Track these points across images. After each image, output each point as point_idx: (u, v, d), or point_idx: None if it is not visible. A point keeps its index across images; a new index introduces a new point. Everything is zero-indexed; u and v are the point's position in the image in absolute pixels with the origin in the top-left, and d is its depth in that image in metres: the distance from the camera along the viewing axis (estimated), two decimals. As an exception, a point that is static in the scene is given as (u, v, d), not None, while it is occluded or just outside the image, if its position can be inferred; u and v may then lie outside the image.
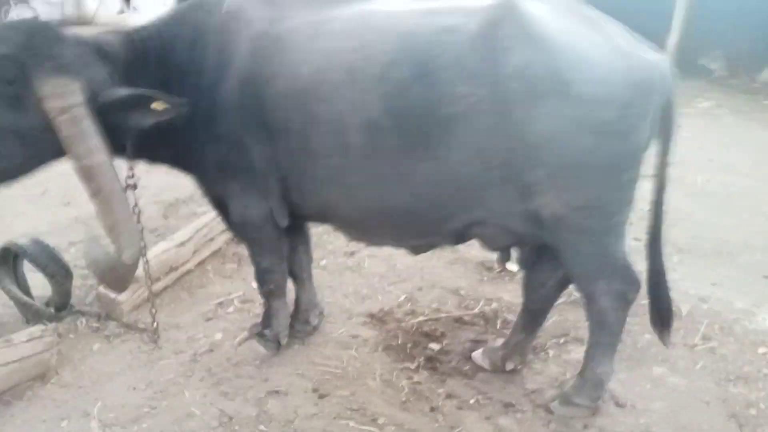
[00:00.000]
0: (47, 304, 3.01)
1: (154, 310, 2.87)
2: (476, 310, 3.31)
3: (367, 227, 2.48)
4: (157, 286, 3.28)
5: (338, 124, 2.11)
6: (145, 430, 2.37)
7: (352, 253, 3.93)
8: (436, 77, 1.98)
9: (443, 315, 3.26)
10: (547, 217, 2.14)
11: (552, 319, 3.12)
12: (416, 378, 2.74)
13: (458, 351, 2.94)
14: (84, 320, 3.04)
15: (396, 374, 2.76)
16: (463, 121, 2.00)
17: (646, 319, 3.09)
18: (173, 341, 2.95)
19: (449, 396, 2.63)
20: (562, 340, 3.05)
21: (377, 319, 3.22)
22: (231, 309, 3.27)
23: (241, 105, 2.25)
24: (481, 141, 2.03)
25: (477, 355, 2.84)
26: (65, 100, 1.99)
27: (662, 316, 2.45)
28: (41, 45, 1.98)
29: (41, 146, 2.09)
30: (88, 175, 2.07)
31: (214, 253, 3.79)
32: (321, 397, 2.60)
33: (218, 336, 3.00)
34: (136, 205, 2.48)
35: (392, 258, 3.82)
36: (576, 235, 2.19)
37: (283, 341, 2.87)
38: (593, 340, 2.45)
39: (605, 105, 1.96)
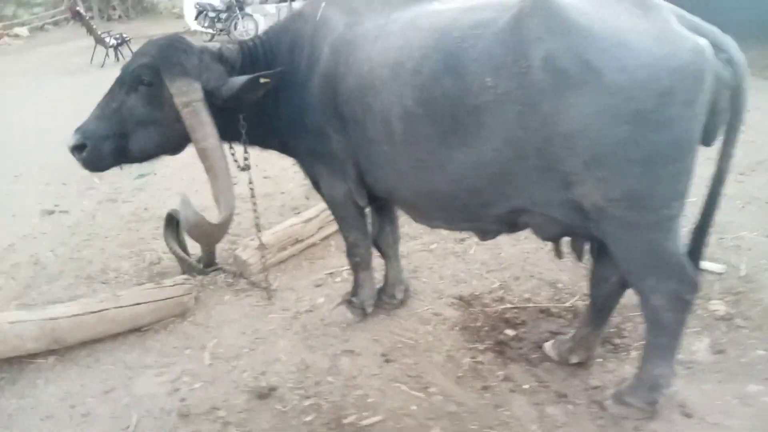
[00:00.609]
0: (198, 261, 3.78)
1: (267, 274, 3.44)
2: (568, 304, 3.26)
3: (420, 209, 2.67)
4: (283, 254, 3.89)
5: (385, 114, 2.35)
6: (240, 365, 2.90)
7: (462, 240, 4.09)
8: (466, 69, 2.10)
9: (531, 305, 3.28)
10: (589, 208, 2.12)
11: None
12: (480, 358, 2.85)
13: (533, 340, 2.96)
14: (223, 276, 3.74)
15: (462, 352, 2.91)
16: (492, 111, 2.09)
17: (758, 333, 2.81)
18: (284, 300, 3.48)
19: (506, 379, 2.70)
20: (650, 343, 2.87)
21: (465, 301, 3.36)
22: (339, 279, 3.69)
23: (323, 100, 2.62)
24: (512, 131, 2.09)
25: (548, 345, 2.84)
26: (188, 96, 2.54)
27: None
28: (171, 54, 2.56)
29: (173, 133, 2.68)
30: (203, 155, 2.61)
31: (338, 231, 4.27)
32: (387, 361, 2.87)
33: (320, 300, 3.45)
34: (251, 182, 3.05)
35: (498, 247, 3.89)
36: (619, 229, 2.12)
37: (369, 310, 3.21)
38: (649, 340, 2.32)
39: (641, 93, 1.88)
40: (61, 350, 3.04)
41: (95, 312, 3.06)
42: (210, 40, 16.96)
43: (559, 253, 2.62)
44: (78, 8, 15.30)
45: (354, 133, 2.58)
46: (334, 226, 4.26)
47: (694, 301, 2.22)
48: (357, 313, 3.20)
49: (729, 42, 1.96)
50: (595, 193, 2.07)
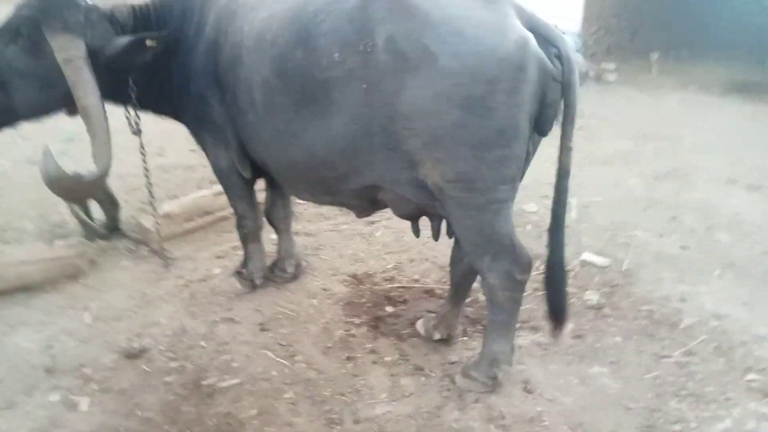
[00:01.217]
0: (103, 226, 3.80)
1: (161, 242, 3.48)
2: (452, 286, 3.39)
3: (286, 181, 2.75)
4: (190, 225, 3.93)
5: (248, 83, 2.42)
6: (119, 327, 2.95)
7: (371, 222, 4.18)
8: (316, 43, 2.17)
9: (417, 285, 3.40)
10: (432, 187, 2.23)
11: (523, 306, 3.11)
12: (353, 331, 2.96)
13: (408, 317, 3.07)
14: (124, 242, 3.77)
15: (339, 325, 3.01)
16: (340, 86, 2.17)
17: (621, 322, 2.98)
18: (181, 269, 3.52)
19: (372, 351, 2.81)
20: (519, 326, 3.02)
21: (357, 279, 3.46)
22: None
23: (205, 68, 2.67)
24: (358, 107, 2.17)
25: (419, 322, 2.95)
26: (69, 52, 2.54)
27: (556, 310, 2.38)
28: (53, 9, 2.55)
29: (56, 89, 2.65)
30: (84, 113, 2.60)
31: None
32: (263, 330, 2.96)
33: (216, 271, 3.51)
34: (142, 146, 3.07)
35: (403, 231, 4.00)
36: (456, 209, 2.24)
37: (257, 282, 3.28)
38: (489, 317, 2.46)
39: (470, 80, 1.99)
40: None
41: (-22, 267, 3.07)
42: None
43: (435, 235, 2.72)
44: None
45: (230, 103, 2.63)
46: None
47: (525, 282, 2.36)
48: (245, 284, 3.27)
49: (560, 38, 2.08)
50: (434, 173, 2.18)
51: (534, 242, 3.70)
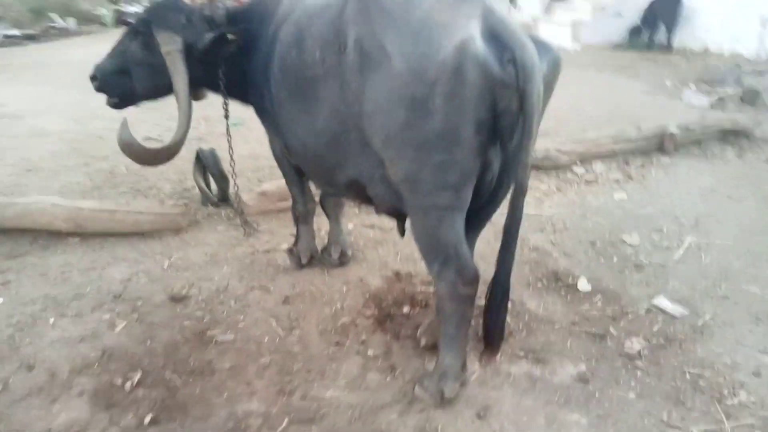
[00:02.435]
0: (216, 196, 4.51)
1: (243, 213, 4.00)
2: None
3: (302, 169, 2.97)
4: (283, 204, 4.41)
5: (272, 79, 2.72)
6: (182, 276, 3.53)
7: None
8: (305, 43, 2.37)
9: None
10: (393, 186, 2.27)
11: (536, 338, 2.92)
12: (358, 321, 3.08)
13: (417, 321, 3.08)
14: (227, 211, 4.42)
15: (350, 312, 3.16)
16: (321, 84, 2.34)
17: (651, 379, 2.65)
18: (257, 239, 4.03)
19: (362, 343, 2.91)
20: (522, 354, 2.82)
21: (397, 277, 3.56)
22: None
23: (265, 62, 3.07)
24: (336, 104, 2.31)
25: (420, 327, 2.96)
26: (168, 46, 3.16)
27: (491, 333, 2.22)
28: (161, 12, 3.18)
29: (163, 76, 3.32)
30: (176, 95, 3.21)
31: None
32: (284, 303, 3.26)
33: (284, 246, 3.91)
34: (228, 128, 3.61)
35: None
36: (409, 210, 2.24)
37: (303, 261, 3.60)
38: (441, 329, 2.38)
39: (414, 81, 1.99)
40: (86, 234, 3.99)
41: (108, 210, 3.95)
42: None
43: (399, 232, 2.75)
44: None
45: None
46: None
47: (469, 296, 2.24)
48: (293, 261, 3.62)
49: (519, 43, 1.94)
50: (390, 172, 2.22)
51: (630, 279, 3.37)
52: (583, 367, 2.74)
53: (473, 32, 1.94)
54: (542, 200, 4.79)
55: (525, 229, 4.13)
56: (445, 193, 2.11)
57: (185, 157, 4.97)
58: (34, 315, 3.11)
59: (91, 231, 3.99)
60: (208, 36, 3.05)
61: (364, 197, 2.70)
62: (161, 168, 5.08)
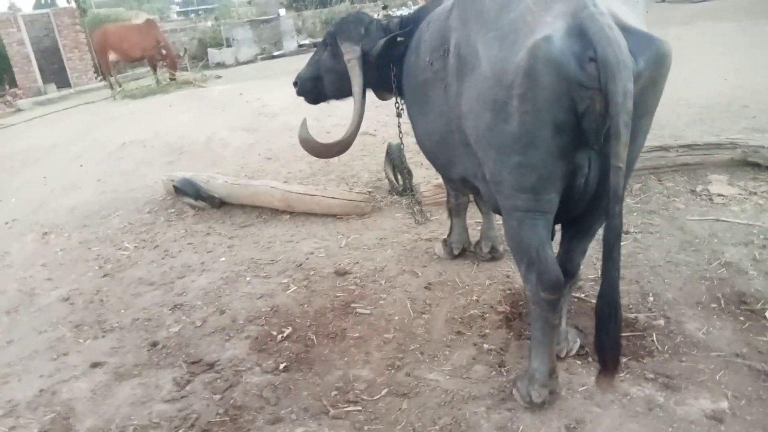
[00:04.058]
0: (402, 187, 4.93)
1: (419, 203, 4.32)
2: (635, 315, 3.00)
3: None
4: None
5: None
6: (352, 254, 4.02)
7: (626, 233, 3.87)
8: (420, 48, 2.54)
9: (583, 298, 3.17)
10: None
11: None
12: (487, 315, 3.13)
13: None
14: (409, 200, 4.79)
15: (481, 307, 3.21)
16: (431, 86, 2.49)
17: None
18: (427, 228, 4.31)
19: (481, 336, 2.96)
20: (653, 376, 2.54)
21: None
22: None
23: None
24: (442, 105, 2.44)
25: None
26: (350, 55, 3.66)
27: (601, 354, 2.02)
28: (345, 25, 3.67)
29: (346, 80, 3.83)
30: (354, 97, 3.71)
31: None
32: (426, 288, 3.48)
33: (445, 236, 4.13)
34: (399, 125, 3.96)
35: (639, 246, 3.59)
36: (501, 210, 2.25)
37: (455, 252, 3.77)
38: (530, 332, 2.31)
39: (496, 84, 2.00)
40: (295, 213, 4.81)
41: (310, 194, 4.69)
42: (661, 1, 16.09)
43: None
44: None
45: None
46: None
47: (551, 302, 2.13)
48: (446, 251, 3.81)
49: (603, 39, 1.77)
50: (485, 172, 2.27)
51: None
52: (724, 405, 2.34)
53: (552, 31, 1.86)
54: (765, 208, 3.99)
55: (722, 240, 3.59)
56: (523, 195, 2.07)
57: (381, 150, 5.56)
58: (238, 273, 3.95)
59: (298, 210, 4.79)
60: (381, 41, 3.41)
61: (478, 194, 2.75)
62: (365, 160, 5.76)
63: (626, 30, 1.84)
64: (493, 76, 2.00)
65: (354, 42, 3.45)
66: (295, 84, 3.89)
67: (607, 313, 2.02)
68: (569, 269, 2.44)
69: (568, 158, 2.00)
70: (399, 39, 3.26)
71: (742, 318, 2.90)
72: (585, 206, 2.18)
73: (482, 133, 2.14)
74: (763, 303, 2.98)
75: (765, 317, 2.88)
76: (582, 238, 2.40)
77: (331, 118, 6.98)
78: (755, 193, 4.19)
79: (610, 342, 2.00)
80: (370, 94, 3.58)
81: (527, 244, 2.16)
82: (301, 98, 3.90)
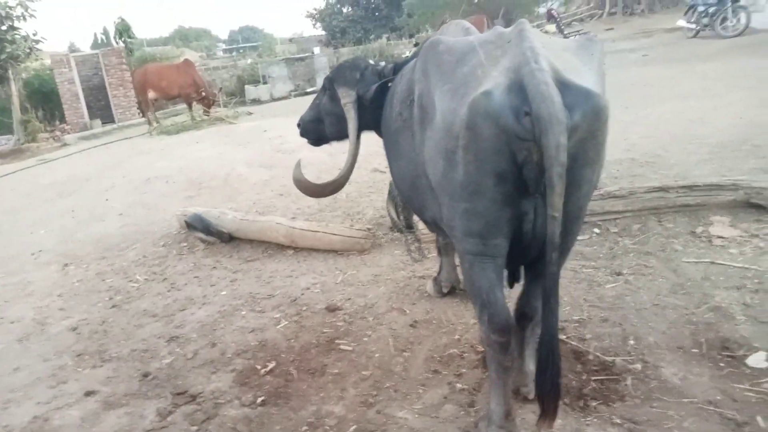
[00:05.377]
0: (402, 224, 5.03)
1: (417, 241, 4.40)
2: (614, 358, 2.98)
3: None
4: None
5: None
6: (346, 290, 4.11)
7: (619, 274, 3.86)
8: (394, 99, 2.69)
9: (574, 345, 3.16)
10: None
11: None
12: (466, 354, 3.15)
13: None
14: (409, 237, 4.87)
15: (461, 347, 3.24)
16: (401, 134, 2.61)
17: None
18: (423, 266, 4.37)
19: (456, 375, 2.99)
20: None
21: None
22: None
23: None
24: (410, 153, 2.55)
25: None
26: (345, 99, 3.83)
27: (541, 396, 2.06)
28: (341, 71, 3.85)
29: (344, 123, 3.99)
30: (350, 139, 3.87)
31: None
32: (411, 326, 3.53)
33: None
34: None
35: (618, 289, 3.57)
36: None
37: (444, 290, 3.83)
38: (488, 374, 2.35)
39: (446, 135, 2.11)
40: (299, 248, 4.97)
41: (312, 231, 4.84)
42: (693, 36, 15.98)
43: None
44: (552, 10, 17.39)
45: None
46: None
47: (501, 344, 2.17)
48: (435, 289, 3.87)
49: (538, 96, 1.85)
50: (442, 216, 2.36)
51: None
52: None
53: (493, 86, 1.96)
54: (765, 251, 3.91)
55: (714, 284, 3.55)
56: (472, 239, 2.15)
57: (384, 188, 5.67)
58: (235, 307, 4.10)
59: (301, 246, 4.94)
60: (373, 87, 3.58)
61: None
62: (372, 197, 5.90)
63: (565, 85, 1.92)
64: (444, 127, 2.11)
65: (350, 87, 3.62)
66: (299, 125, 4.08)
67: (546, 357, 2.06)
68: (527, 311, 2.48)
69: (513, 205, 2.07)
70: (389, 84, 3.41)
71: (722, 364, 2.85)
72: (538, 251, 2.24)
73: (438, 179, 2.24)
74: (746, 349, 2.92)
75: (746, 364, 2.82)
76: (539, 281, 2.44)
77: (345, 155, 7.17)
78: (757, 236, 4.11)
79: (548, 385, 2.04)
80: (372, 135, 3.69)
81: (478, 286, 2.22)
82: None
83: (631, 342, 3.10)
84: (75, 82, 17.36)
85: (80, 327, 4.12)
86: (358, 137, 3.61)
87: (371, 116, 3.51)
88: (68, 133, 16.59)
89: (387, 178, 6.49)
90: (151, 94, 14.78)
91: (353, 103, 3.53)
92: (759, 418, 2.45)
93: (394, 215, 5.08)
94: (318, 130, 3.99)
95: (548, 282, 2.02)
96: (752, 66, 10.45)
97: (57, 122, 18.13)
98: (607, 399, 2.68)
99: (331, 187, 3.74)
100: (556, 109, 1.84)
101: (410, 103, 2.47)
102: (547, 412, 2.08)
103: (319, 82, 21.32)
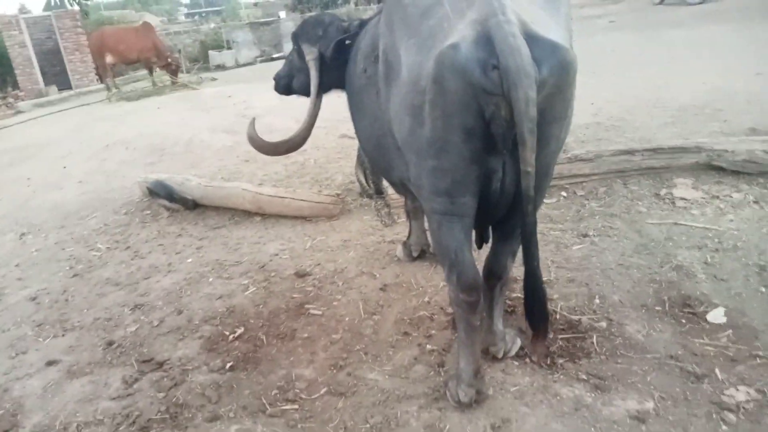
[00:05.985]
0: (372, 190, 4.98)
1: (388, 206, 4.36)
2: (580, 317, 3.03)
3: None
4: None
5: None
6: (315, 256, 4.07)
7: (584, 235, 3.91)
8: (357, 56, 2.60)
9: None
10: None
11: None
12: (435, 317, 3.17)
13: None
14: (379, 203, 4.83)
15: (432, 309, 3.26)
16: (366, 92, 2.54)
17: None
18: (391, 231, 4.36)
19: (426, 336, 3.01)
20: (584, 379, 2.58)
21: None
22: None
23: None
24: (375, 110, 2.49)
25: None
26: (309, 56, 3.70)
27: (530, 316, 2.14)
28: (305, 27, 3.73)
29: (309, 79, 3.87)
30: (311, 97, 3.75)
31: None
32: (381, 290, 3.51)
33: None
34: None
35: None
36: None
37: (414, 254, 3.82)
38: (457, 332, 2.36)
39: (413, 89, 2.05)
40: (266, 215, 4.87)
41: (279, 197, 4.75)
42: (659, 3, 16.09)
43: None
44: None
45: None
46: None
47: (470, 303, 2.17)
48: (405, 253, 3.86)
49: (506, 48, 1.81)
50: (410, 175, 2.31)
51: None
52: (649, 405, 2.38)
53: (460, 39, 1.90)
54: (725, 212, 4.01)
55: (676, 244, 3.62)
56: (439, 198, 2.12)
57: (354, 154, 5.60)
58: (202, 274, 4.01)
59: (269, 212, 4.85)
60: (331, 44, 3.46)
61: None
62: (341, 162, 5.82)
63: (532, 38, 1.87)
64: (410, 81, 2.05)
65: (311, 43, 3.50)
66: (273, 79, 3.98)
67: (531, 287, 2.11)
68: (496, 271, 2.49)
69: (480, 163, 2.04)
70: (347, 42, 3.30)
71: (683, 320, 2.93)
72: (506, 209, 2.22)
73: (404, 137, 2.19)
74: (706, 306, 3.01)
75: (706, 320, 2.91)
76: (506, 241, 2.44)
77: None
78: (717, 197, 4.21)
79: (537, 307, 2.11)
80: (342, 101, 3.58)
81: (446, 246, 2.20)
82: (283, 97, 4.00)
83: (597, 301, 3.15)
84: (27, 46, 16.48)
85: (40, 296, 3.98)
86: (319, 95, 3.51)
87: (336, 74, 3.40)
88: (22, 100, 15.85)
89: (356, 144, 6.41)
90: (109, 59, 14.17)
91: (315, 60, 3.42)
92: (717, 371, 2.54)
93: (363, 181, 5.00)
94: (288, 84, 3.89)
95: (527, 231, 2.02)
96: (718, 33, 10.60)
97: (9, 88, 17.29)
98: (574, 356, 2.73)
99: (286, 146, 3.65)
100: (525, 62, 1.80)
101: (375, 59, 2.40)
102: (540, 333, 2.14)
103: (286, 47, 20.87)
